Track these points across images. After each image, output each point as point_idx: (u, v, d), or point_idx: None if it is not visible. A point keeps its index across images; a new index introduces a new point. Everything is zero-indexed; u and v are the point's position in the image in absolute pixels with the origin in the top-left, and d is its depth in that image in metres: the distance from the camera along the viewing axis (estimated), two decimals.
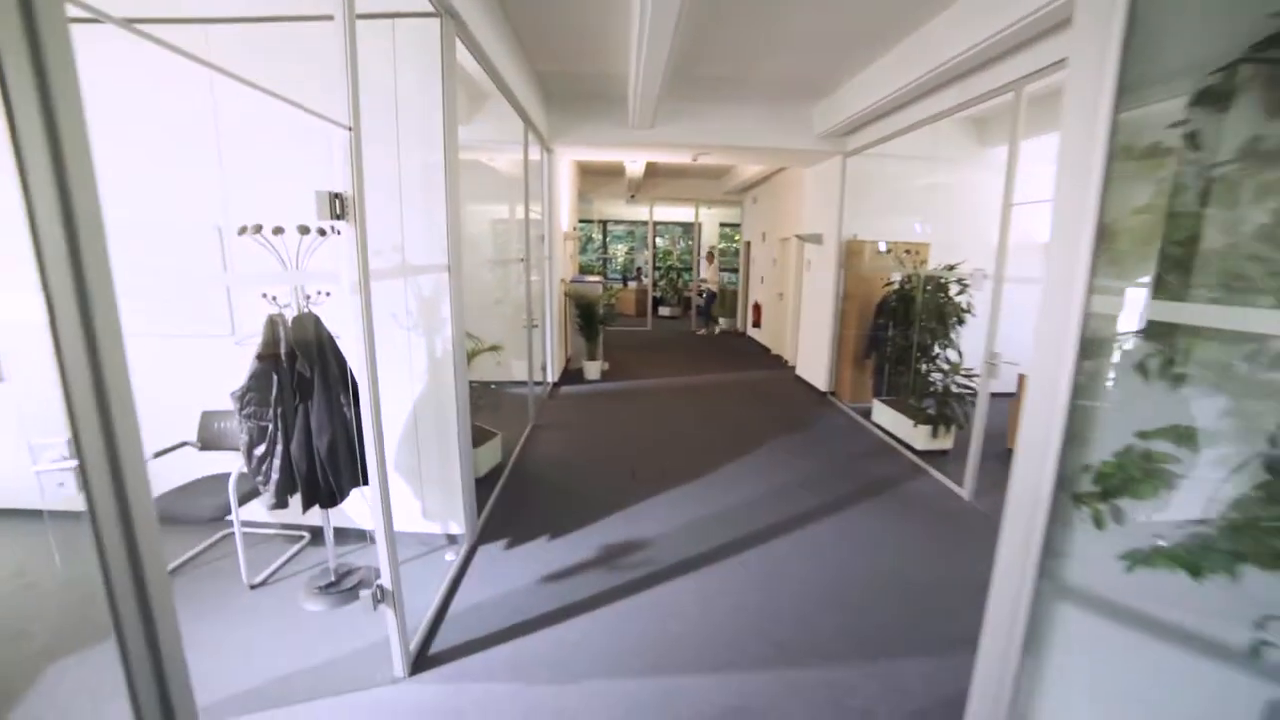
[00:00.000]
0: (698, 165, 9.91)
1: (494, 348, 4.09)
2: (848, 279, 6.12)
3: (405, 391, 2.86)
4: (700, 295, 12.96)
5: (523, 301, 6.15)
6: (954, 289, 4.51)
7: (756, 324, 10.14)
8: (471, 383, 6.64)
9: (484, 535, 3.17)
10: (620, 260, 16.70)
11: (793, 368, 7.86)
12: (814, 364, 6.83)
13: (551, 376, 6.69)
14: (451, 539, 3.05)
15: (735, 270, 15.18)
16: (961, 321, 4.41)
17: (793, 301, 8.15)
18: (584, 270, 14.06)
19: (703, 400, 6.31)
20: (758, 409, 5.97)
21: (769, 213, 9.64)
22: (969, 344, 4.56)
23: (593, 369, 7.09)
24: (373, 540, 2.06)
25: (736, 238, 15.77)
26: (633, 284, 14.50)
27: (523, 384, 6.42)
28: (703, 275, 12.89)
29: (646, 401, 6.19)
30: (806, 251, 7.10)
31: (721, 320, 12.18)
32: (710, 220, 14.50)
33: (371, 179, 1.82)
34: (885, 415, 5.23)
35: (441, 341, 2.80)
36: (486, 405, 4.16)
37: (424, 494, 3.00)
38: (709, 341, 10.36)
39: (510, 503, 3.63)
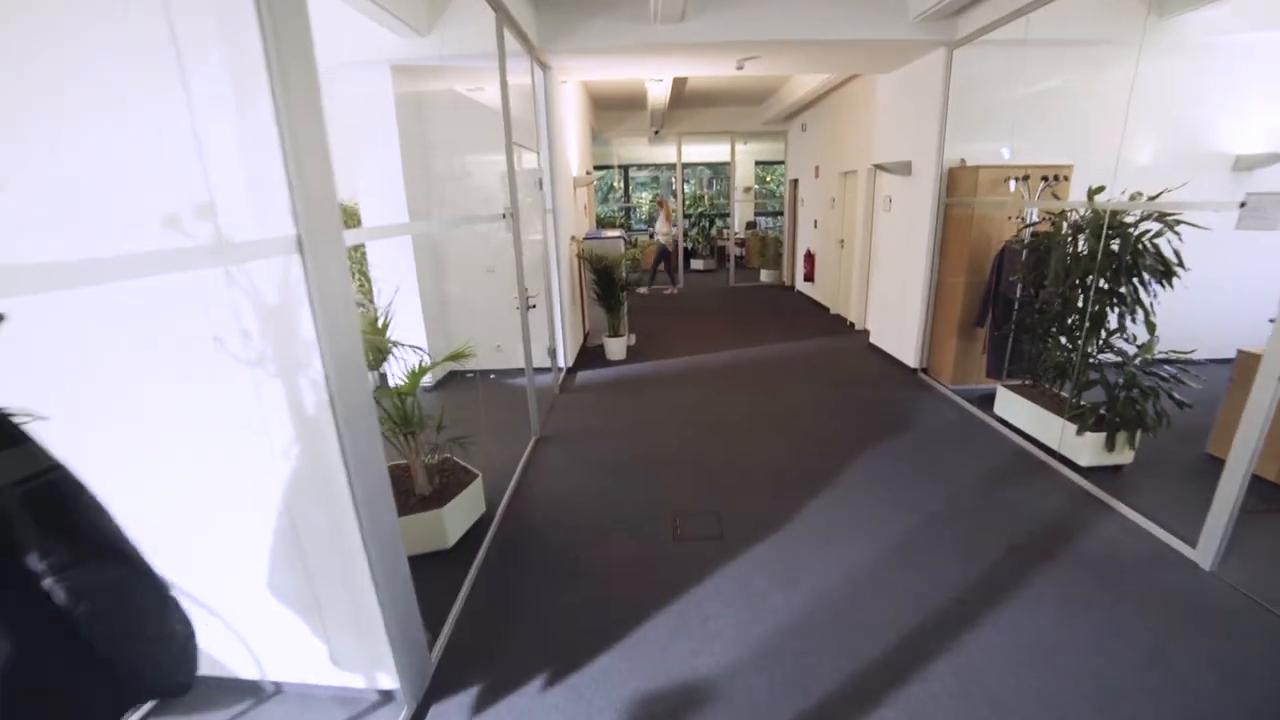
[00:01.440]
0: (732, 89, 8.21)
1: (458, 354, 2.82)
2: (950, 220, 4.57)
3: (268, 476, 1.61)
4: (738, 245, 11.37)
5: (537, 264, 4.83)
6: (1147, 229, 2.98)
7: (809, 277, 8.60)
8: (466, 372, 5.42)
9: (441, 680, 1.97)
10: (645, 209, 15.07)
11: (863, 333, 6.40)
12: (897, 331, 5.37)
13: (564, 361, 5.43)
14: (386, 696, 1.87)
15: (774, 214, 13.47)
16: (1168, 278, 2.90)
17: (860, 250, 6.60)
18: (602, 224, 12.56)
19: (756, 384, 4.97)
20: (831, 397, 4.60)
21: (824, 142, 7.92)
22: (1170, 311, 3.07)
23: (616, 347, 5.78)
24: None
25: (769, 179, 13.94)
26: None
27: (542, 370, 5.18)
28: (655, 229, 10.72)
29: (684, 390, 4.89)
30: (884, 185, 5.51)
31: (763, 273, 10.62)
32: (745, 158, 12.68)
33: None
34: (1016, 409, 3.80)
35: (311, 381, 1.52)
36: (456, 442, 2.93)
37: (327, 631, 1.80)
38: (754, 299, 8.89)
39: (490, 602, 2.39)
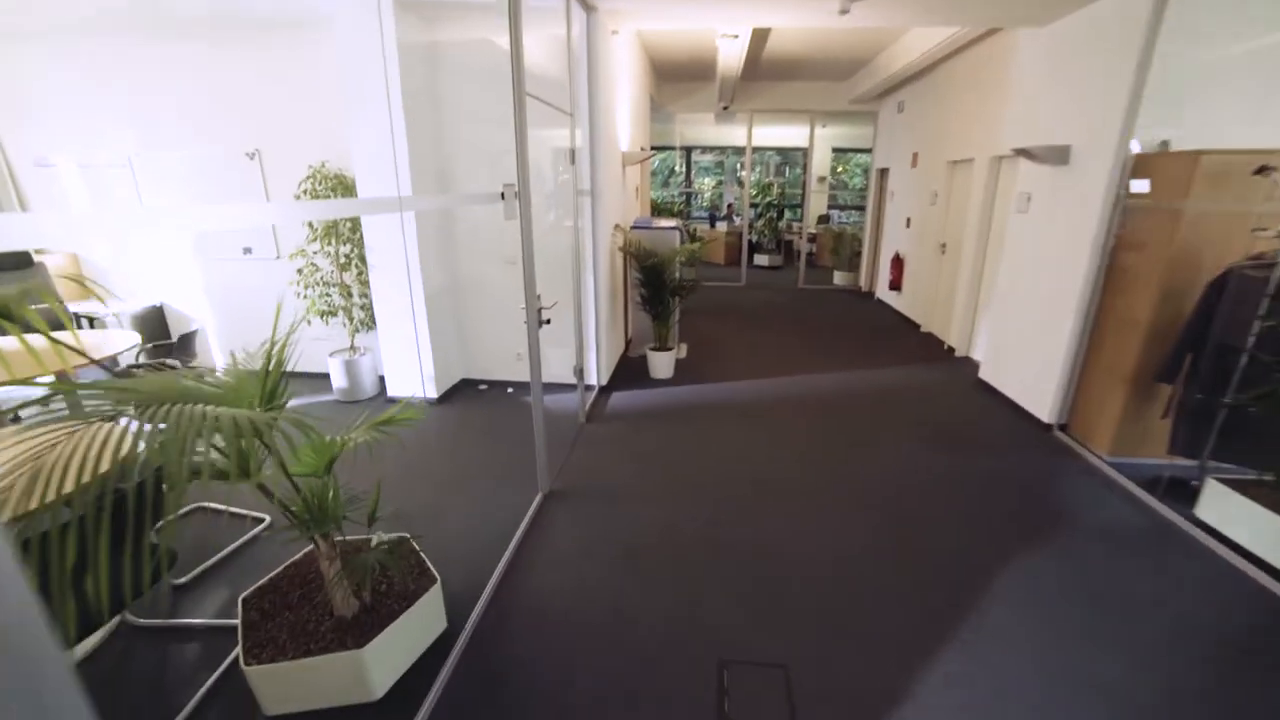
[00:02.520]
0: (816, 59, 6.95)
1: (388, 420, 1.88)
2: (1133, 228, 3.31)
3: None
4: (809, 240, 10.09)
5: (565, 257, 3.89)
6: None
7: (895, 285, 7.30)
8: (479, 383, 4.59)
9: None
10: (707, 196, 13.90)
11: (968, 363, 5.14)
12: (1024, 369, 4.13)
13: (597, 377, 4.49)
14: None
15: (846, 208, 12.04)
16: None
17: (971, 257, 5.31)
18: (658, 211, 11.52)
19: (832, 427, 3.87)
20: (934, 460, 3.45)
21: (928, 123, 6.58)
22: None
23: (662, 363, 4.78)
24: None
25: (842, 169, 12.46)
26: (722, 225, 11.79)
27: (567, 387, 4.29)
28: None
29: (741, 428, 3.85)
30: (1021, 179, 4.24)
31: (837, 274, 9.33)
32: (822, 144, 11.30)
33: None
34: (1246, 519, 2.57)
35: None
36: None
37: None
38: (827, 306, 7.67)
39: None
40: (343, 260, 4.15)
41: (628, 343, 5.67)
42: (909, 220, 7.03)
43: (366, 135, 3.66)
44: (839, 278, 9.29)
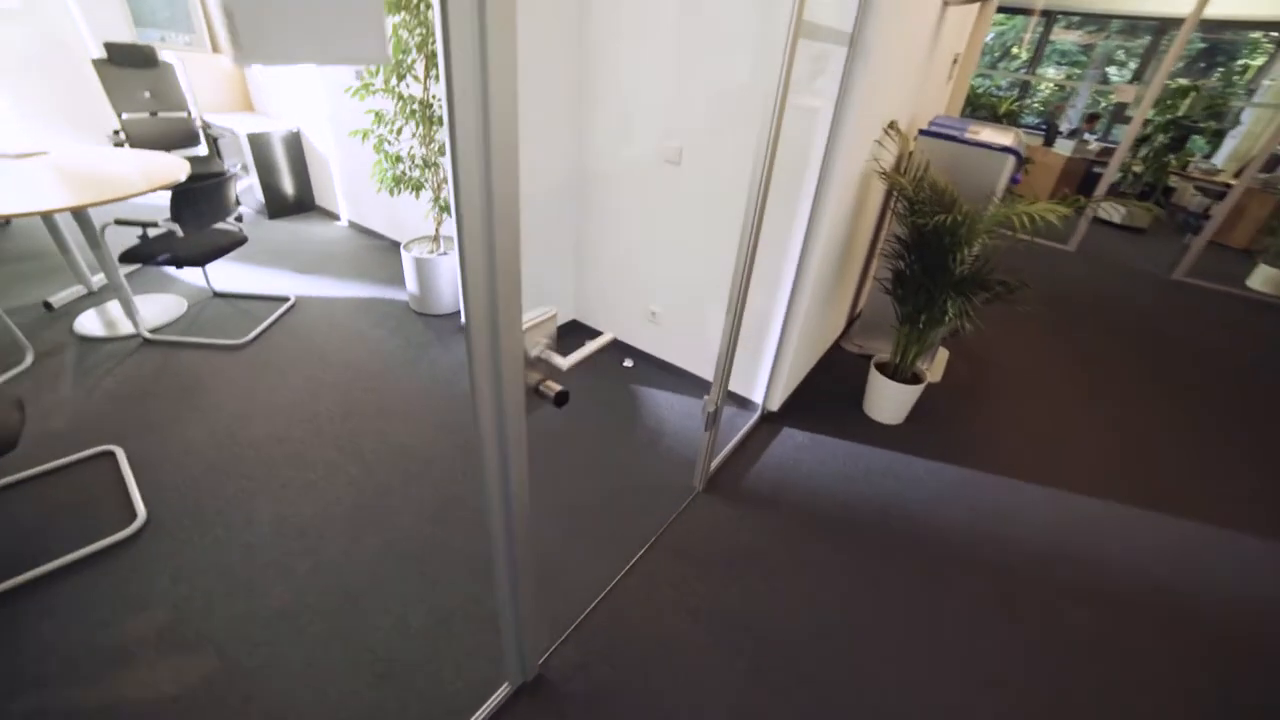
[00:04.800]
0: None
1: None
2: None
3: None
4: (1214, 197, 5.89)
5: (737, 173, 1.92)
6: None
7: None
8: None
9: None
10: (1045, 94, 9.45)
11: None
12: None
13: (765, 394, 2.56)
14: None
15: None
16: None
17: None
18: (977, 109, 8.01)
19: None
20: None
21: None
22: None
23: (892, 399, 2.61)
24: None
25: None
26: (1064, 145, 7.76)
27: (689, 379, 2.53)
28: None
29: (1014, 633, 1.74)
30: None
31: (1261, 268, 5.37)
32: None
33: None
34: None
35: None
36: None
37: None
38: (1236, 331, 4.28)
39: None
40: (412, 110, 2.66)
41: (849, 322, 3.50)
42: None
43: None
44: (1263, 277, 5.34)
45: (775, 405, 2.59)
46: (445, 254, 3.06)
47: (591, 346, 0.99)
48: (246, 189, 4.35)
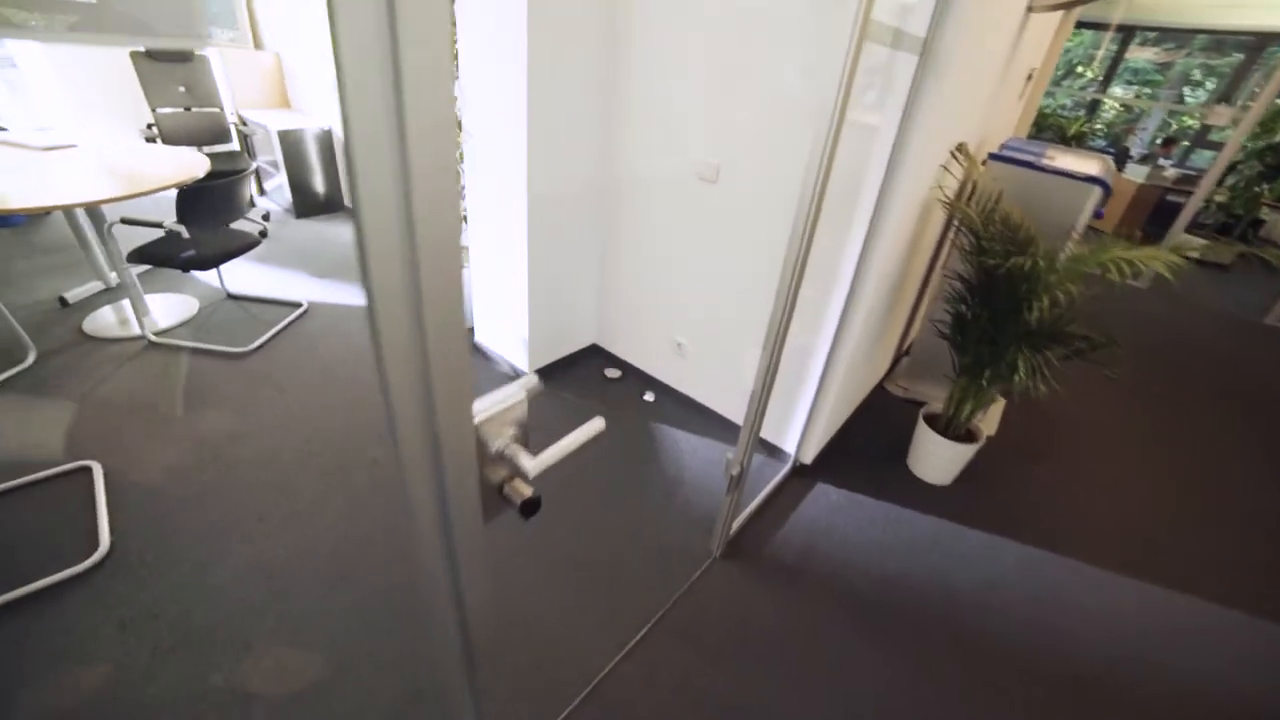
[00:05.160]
0: None
1: None
2: None
3: None
4: None
5: (779, 195, 1.67)
6: None
7: None
8: (609, 369, 2.78)
9: None
10: (1110, 115, 8.84)
11: None
12: None
13: (798, 444, 2.29)
14: None
15: None
16: None
17: None
18: (1044, 127, 7.55)
19: None
20: None
21: None
22: None
23: (940, 457, 2.31)
24: None
25: None
26: (1138, 170, 7.20)
27: (714, 420, 2.29)
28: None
29: None
30: None
31: None
32: None
33: None
34: None
35: None
36: None
37: None
38: None
39: None
40: None
41: (896, 359, 3.19)
42: None
43: None
44: None
45: (809, 457, 2.32)
46: (463, 267, 2.89)
47: (573, 440, 0.76)
48: (277, 187, 4.30)
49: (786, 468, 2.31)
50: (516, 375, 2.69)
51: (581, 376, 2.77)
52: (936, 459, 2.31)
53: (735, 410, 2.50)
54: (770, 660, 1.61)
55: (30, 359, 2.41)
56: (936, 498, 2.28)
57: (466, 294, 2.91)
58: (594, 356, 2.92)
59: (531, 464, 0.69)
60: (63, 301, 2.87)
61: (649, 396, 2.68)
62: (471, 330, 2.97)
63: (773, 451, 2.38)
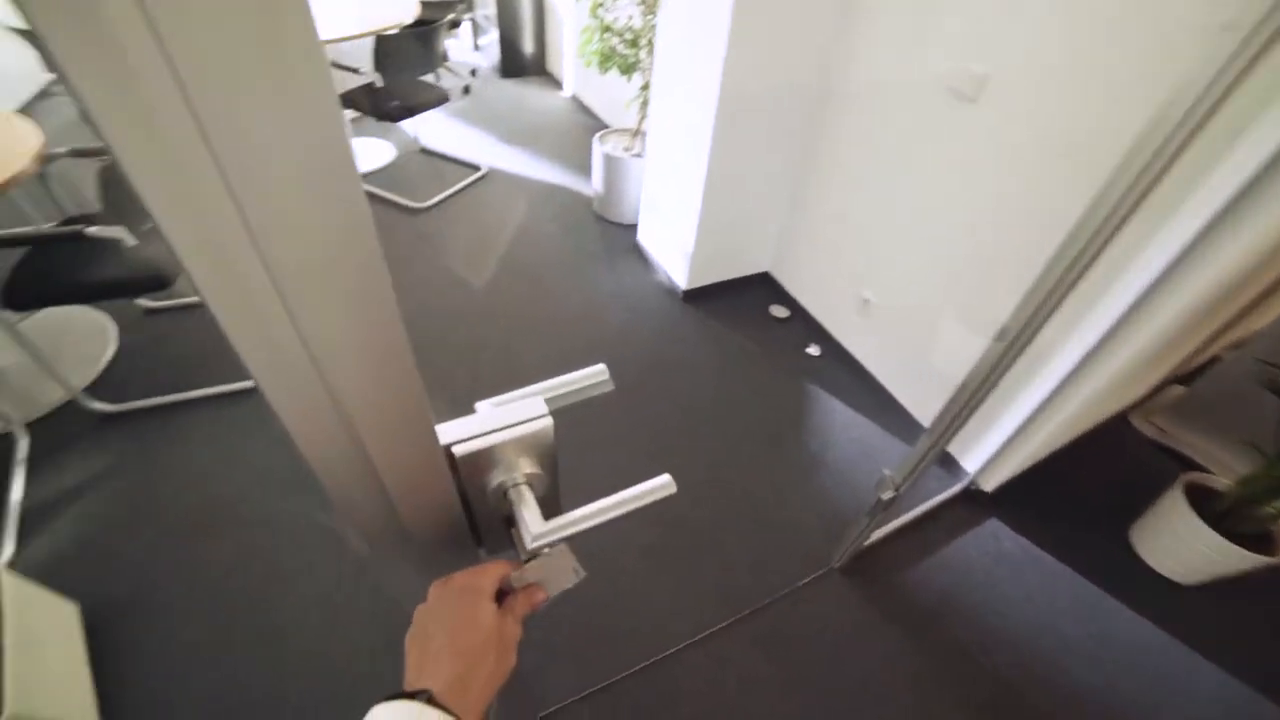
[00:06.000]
0: None
1: None
2: None
3: None
4: None
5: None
6: None
7: None
8: (784, 308, 2.33)
9: None
10: None
11: None
12: None
13: (981, 462, 1.77)
14: None
15: None
16: None
17: None
18: None
19: None
20: None
21: None
22: None
23: (1196, 551, 1.63)
24: None
25: None
26: None
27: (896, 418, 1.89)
28: None
29: None
30: None
31: None
32: None
33: None
34: None
35: None
36: None
37: None
38: None
39: None
40: None
41: (1157, 387, 2.35)
42: None
43: None
44: None
45: (991, 484, 1.80)
46: (639, 155, 2.59)
47: (618, 503, 0.48)
48: (490, 44, 4.25)
49: (958, 487, 1.83)
50: (672, 289, 2.43)
51: (743, 307, 2.42)
52: (1186, 549, 1.65)
53: (912, 399, 2.01)
54: (857, 711, 1.31)
55: None
56: (1164, 598, 1.66)
57: (634, 185, 2.64)
58: (762, 287, 2.54)
59: (539, 527, 0.43)
60: None
61: (814, 350, 2.27)
62: (635, 228, 2.72)
63: (945, 462, 1.90)
